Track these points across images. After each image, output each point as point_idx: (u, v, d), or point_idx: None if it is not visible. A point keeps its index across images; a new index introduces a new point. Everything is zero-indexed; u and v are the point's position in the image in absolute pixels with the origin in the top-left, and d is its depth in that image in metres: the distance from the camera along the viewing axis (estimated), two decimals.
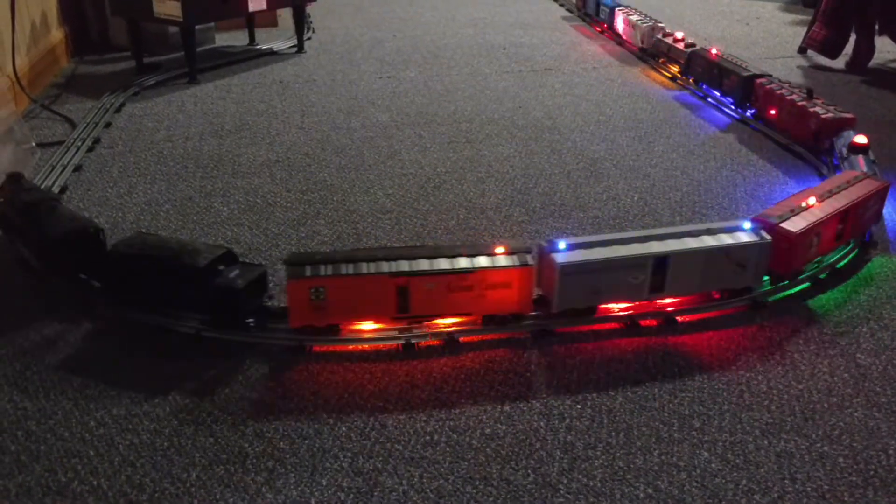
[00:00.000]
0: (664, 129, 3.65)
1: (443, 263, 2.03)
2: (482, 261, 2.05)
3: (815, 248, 2.35)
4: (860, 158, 2.92)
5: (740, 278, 2.23)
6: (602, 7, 5.46)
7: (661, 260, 2.13)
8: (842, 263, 2.48)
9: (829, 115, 3.22)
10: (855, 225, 2.47)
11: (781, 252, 2.25)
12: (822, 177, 3.09)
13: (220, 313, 2.05)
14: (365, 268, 2.01)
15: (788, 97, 3.46)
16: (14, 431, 1.77)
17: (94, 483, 1.64)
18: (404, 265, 2.03)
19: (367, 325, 2.10)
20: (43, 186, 2.84)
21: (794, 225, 2.26)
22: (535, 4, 6.44)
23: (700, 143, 3.49)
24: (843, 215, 2.39)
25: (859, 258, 2.54)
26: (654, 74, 4.51)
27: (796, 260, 2.30)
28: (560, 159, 3.30)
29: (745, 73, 3.74)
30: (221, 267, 2.05)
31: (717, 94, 3.98)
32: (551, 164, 3.26)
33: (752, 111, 3.73)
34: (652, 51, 4.71)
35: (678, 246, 2.16)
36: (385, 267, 2.02)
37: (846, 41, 4.57)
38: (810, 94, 3.41)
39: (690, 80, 4.24)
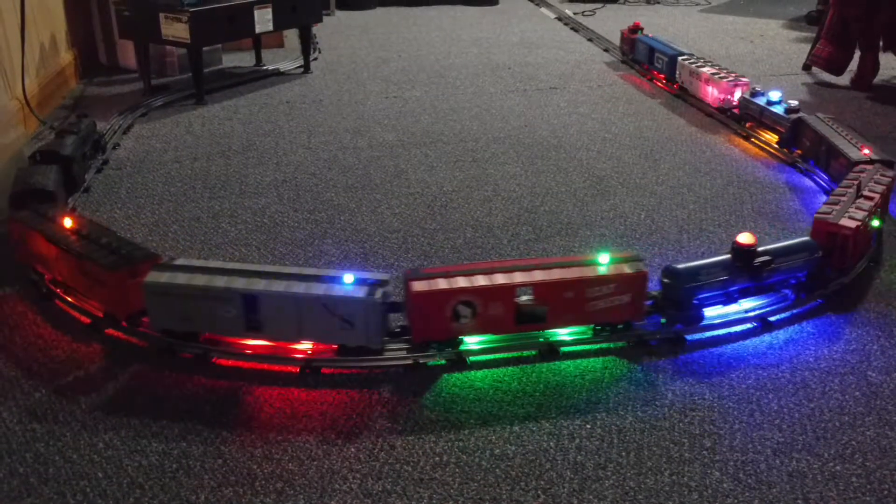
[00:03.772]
0: (669, 147, 3.66)
1: None
2: None
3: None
4: None
5: (349, 335, 2.02)
6: (658, 55, 4.62)
7: (252, 298, 1.99)
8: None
9: None
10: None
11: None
12: (828, 194, 3.08)
13: None
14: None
15: None
16: (23, 453, 1.77)
17: None
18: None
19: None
20: None
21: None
22: (539, 24, 6.48)
23: (706, 161, 3.50)
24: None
25: (869, 274, 2.53)
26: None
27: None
28: (566, 177, 3.31)
29: (854, 156, 2.92)
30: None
31: (826, 177, 3.19)
32: (557, 182, 3.26)
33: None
34: (736, 112, 3.90)
35: (276, 287, 1.99)
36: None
37: (851, 58, 4.59)
38: None
39: (795, 154, 3.44)
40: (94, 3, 4.77)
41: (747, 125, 3.81)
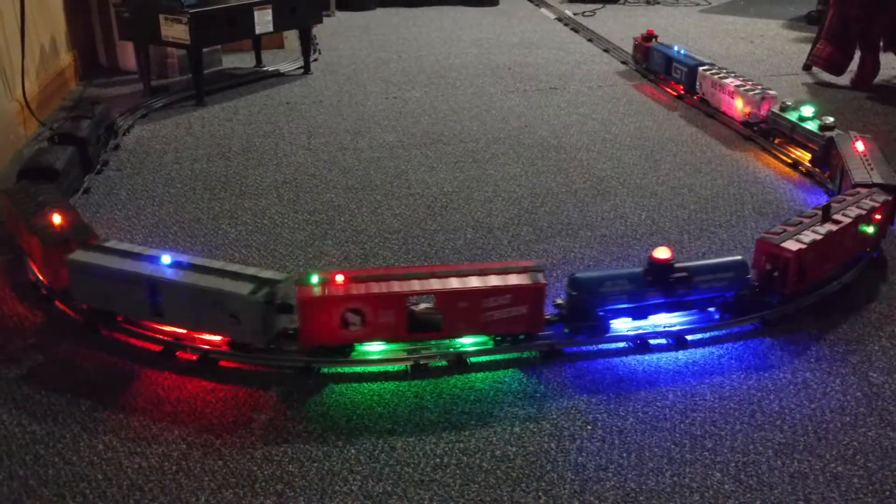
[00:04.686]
0: (670, 147, 3.65)
1: None
2: None
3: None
4: None
5: (236, 330, 2.02)
6: (677, 65, 4.35)
7: (154, 284, 2.04)
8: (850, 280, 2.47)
9: None
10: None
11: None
12: (829, 194, 3.07)
13: None
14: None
15: None
16: (22, 456, 1.76)
17: None
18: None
19: (377, 346, 2.10)
20: None
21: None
22: (539, 25, 6.48)
23: (706, 161, 3.49)
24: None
25: (869, 276, 2.53)
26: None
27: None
28: (567, 178, 3.30)
29: (857, 178, 2.72)
30: None
31: None
32: (558, 182, 3.26)
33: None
34: (764, 127, 3.65)
35: (172, 275, 2.04)
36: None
37: (851, 58, 4.58)
38: None
39: (826, 175, 3.19)
40: (93, 5, 4.77)
41: (776, 141, 3.58)
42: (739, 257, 2.27)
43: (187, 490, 1.67)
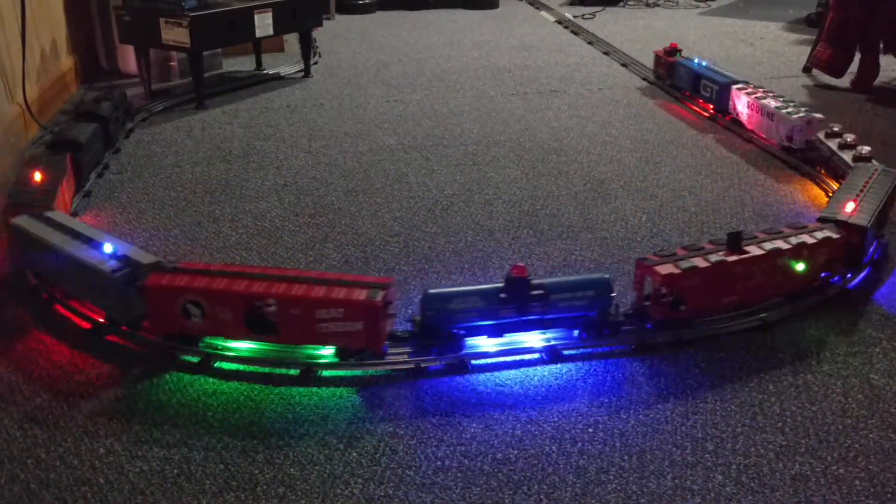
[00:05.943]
0: (670, 150, 3.65)
1: None
2: None
3: None
4: None
5: (106, 304, 2.19)
6: (707, 83, 4.05)
7: (55, 254, 2.25)
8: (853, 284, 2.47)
9: None
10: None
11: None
12: (830, 196, 3.07)
13: None
14: None
15: None
16: (24, 459, 1.76)
17: None
18: None
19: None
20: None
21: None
22: (539, 27, 6.49)
23: (707, 163, 3.49)
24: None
25: (871, 277, 2.53)
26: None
27: None
28: (567, 181, 3.31)
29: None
30: None
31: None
32: (558, 185, 3.26)
33: None
34: (808, 154, 3.37)
35: (74, 248, 2.22)
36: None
37: (851, 60, 4.58)
38: None
39: None
40: (94, 9, 4.77)
41: (818, 169, 3.28)
42: (603, 275, 2.18)
43: (189, 493, 1.67)
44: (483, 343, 2.13)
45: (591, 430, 1.87)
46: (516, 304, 2.09)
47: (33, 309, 2.33)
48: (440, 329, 2.10)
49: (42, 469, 1.74)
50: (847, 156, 3.10)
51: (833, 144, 3.20)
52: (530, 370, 2.08)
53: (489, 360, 2.11)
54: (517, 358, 2.12)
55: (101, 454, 1.78)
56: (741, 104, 3.80)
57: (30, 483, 1.70)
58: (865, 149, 3.06)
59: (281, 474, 1.73)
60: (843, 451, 1.81)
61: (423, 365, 2.07)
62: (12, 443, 1.82)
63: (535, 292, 2.09)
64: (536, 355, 2.13)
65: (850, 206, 2.54)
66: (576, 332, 2.17)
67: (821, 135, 3.34)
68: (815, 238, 2.35)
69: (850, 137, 3.22)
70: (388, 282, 2.07)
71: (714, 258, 2.20)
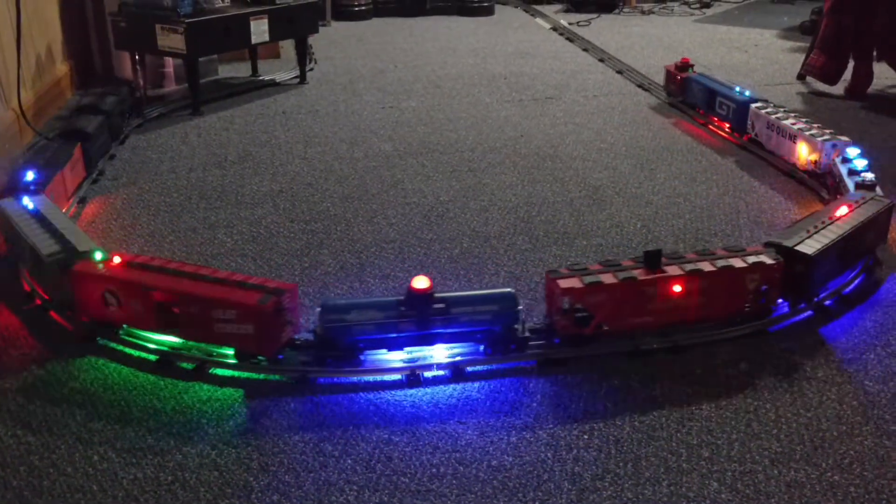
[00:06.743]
0: (665, 157, 3.66)
1: None
2: None
3: None
4: None
5: (44, 286, 2.35)
6: (723, 101, 3.88)
7: (15, 233, 2.44)
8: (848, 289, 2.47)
9: None
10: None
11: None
12: (824, 201, 3.08)
13: None
14: None
15: None
16: (17, 466, 1.76)
17: None
18: None
19: (379, 354, 2.09)
20: None
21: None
22: (535, 34, 6.51)
23: (702, 170, 3.50)
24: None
25: (867, 283, 2.53)
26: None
27: None
28: (562, 187, 3.31)
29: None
30: None
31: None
32: (554, 192, 3.26)
33: None
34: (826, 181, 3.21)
35: (24, 225, 2.40)
36: None
37: (844, 68, 4.60)
38: None
39: None
40: (90, 14, 4.77)
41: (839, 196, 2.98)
42: (508, 290, 2.14)
43: (183, 501, 1.67)
44: (392, 357, 2.10)
45: (586, 436, 1.87)
46: (417, 317, 2.04)
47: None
48: (336, 340, 2.05)
49: (35, 476, 1.73)
50: (851, 181, 2.90)
51: (844, 169, 3.02)
52: (525, 378, 2.08)
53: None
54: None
55: (94, 461, 1.77)
56: (761, 124, 3.63)
57: (23, 490, 1.69)
58: (869, 176, 2.90)
59: (275, 481, 1.72)
60: (838, 457, 1.81)
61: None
62: (5, 450, 1.81)
63: (436, 306, 2.05)
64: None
65: (802, 234, 2.36)
66: (481, 348, 2.12)
67: (838, 159, 3.12)
68: (745, 262, 2.22)
69: (860, 163, 3.00)
70: (288, 288, 2.06)
71: (623, 275, 2.14)
